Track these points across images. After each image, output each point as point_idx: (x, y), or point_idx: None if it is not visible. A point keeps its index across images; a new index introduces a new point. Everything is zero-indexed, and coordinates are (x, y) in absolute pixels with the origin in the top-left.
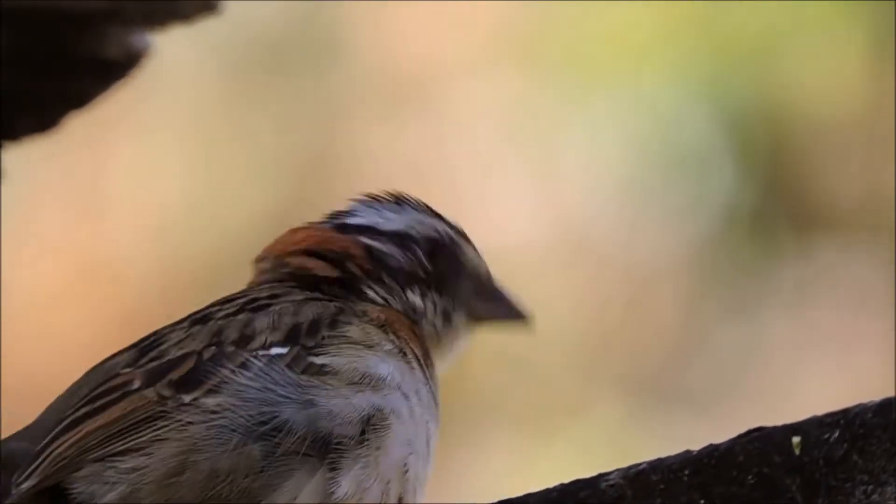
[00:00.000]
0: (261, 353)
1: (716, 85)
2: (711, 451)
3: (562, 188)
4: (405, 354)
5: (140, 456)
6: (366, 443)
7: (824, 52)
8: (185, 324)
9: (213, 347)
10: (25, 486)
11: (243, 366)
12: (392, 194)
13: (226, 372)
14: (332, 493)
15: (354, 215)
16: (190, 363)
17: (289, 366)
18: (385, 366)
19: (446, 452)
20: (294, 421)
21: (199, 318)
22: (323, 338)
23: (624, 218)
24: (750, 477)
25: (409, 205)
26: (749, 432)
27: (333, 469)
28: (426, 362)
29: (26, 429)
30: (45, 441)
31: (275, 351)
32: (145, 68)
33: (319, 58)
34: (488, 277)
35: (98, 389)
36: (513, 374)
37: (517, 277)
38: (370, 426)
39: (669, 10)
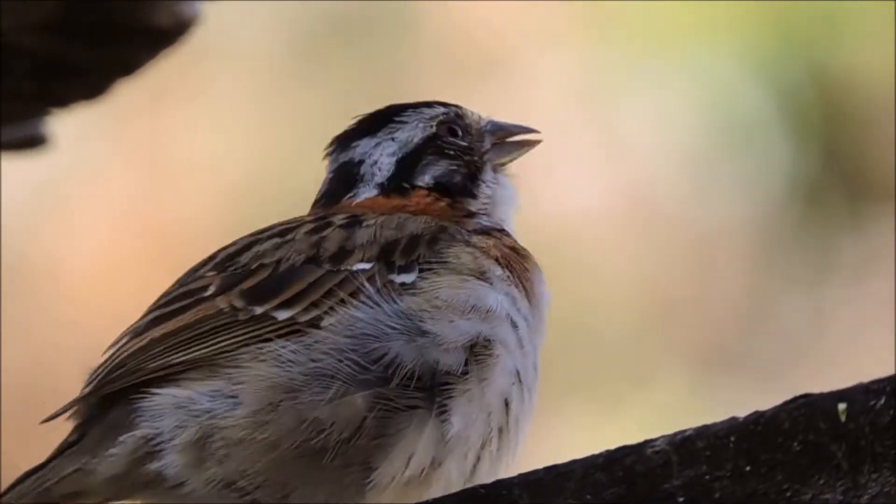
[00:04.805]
0: (354, 267)
1: (776, 58)
2: (757, 417)
3: (628, 158)
4: (514, 282)
5: (222, 381)
6: (468, 375)
7: (880, 26)
8: (266, 234)
9: (306, 260)
10: (85, 392)
11: (342, 287)
12: (372, 116)
13: (320, 292)
14: (446, 433)
15: (373, 165)
16: (264, 273)
17: (382, 286)
18: (493, 295)
19: None
20: (403, 355)
21: (279, 232)
22: (419, 257)
23: (688, 188)
24: (796, 444)
25: (402, 113)
26: (795, 399)
27: (443, 411)
28: (530, 288)
29: None
30: (111, 346)
31: (360, 266)
32: (211, 37)
33: (387, 26)
34: (483, 122)
35: (176, 291)
36: (578, 342)
37: (583, 245)
38: (473, 355)
39: None
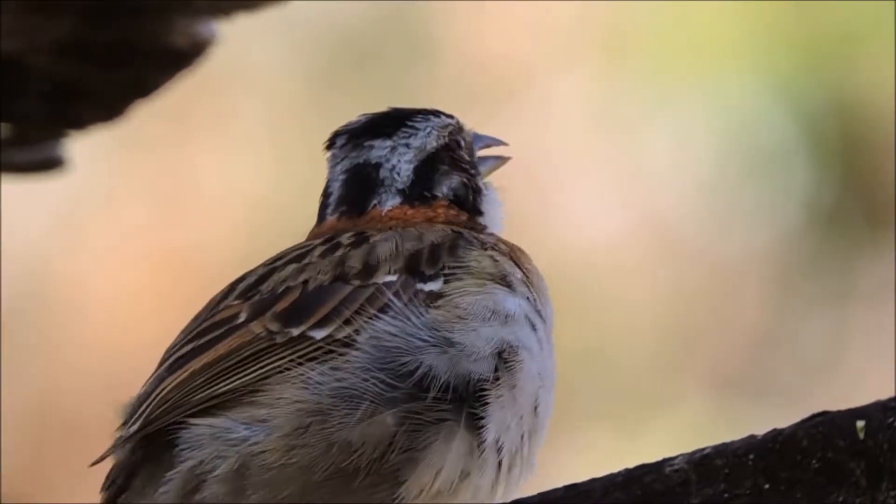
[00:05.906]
0: (382, 280)
1: (796, 85)
2: (775, 435)
3: (647, 185)
4: (529, 284)
5: (254, 408)
6: (499, 382)
7: None
8: (281, 262)
9: (333, 279)
10: (131, 430)
11: (372, 302)
12: (381, 117)
13: (350, 309)
14: (483, 441)
15: (390, 171)
16: (294, 294)
17: (411, 297)
18: (513, 299)
19: None
20: (436, 367)
21: (295, 258)
22: (444, 266)
23: (707, 214)
24: (814, 461)
25: (413, 118)
26: (813, 417)
27: (478, 420)
28: (540, 288)
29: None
30: (150, 382)
31: (387, 279)
32: (227, 60)
33: (403, 55)
34: (471, 135)
35: (204, 324)
36: (599, 369)
37: (602, 272)
38: (502, 361)
39: (749, 11)
